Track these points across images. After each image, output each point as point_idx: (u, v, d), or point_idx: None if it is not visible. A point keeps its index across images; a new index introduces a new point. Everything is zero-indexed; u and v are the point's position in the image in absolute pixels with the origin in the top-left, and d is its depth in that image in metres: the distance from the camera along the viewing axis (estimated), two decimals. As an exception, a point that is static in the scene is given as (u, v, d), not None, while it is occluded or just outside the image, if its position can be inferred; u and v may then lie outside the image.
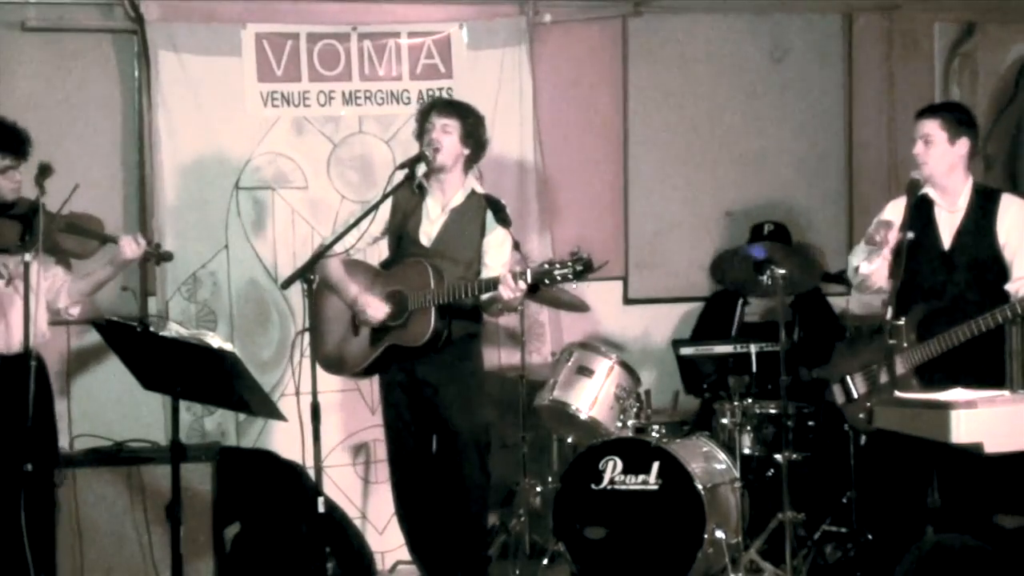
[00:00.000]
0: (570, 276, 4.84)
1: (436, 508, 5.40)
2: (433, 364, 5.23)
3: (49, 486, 5.18)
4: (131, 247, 5.19)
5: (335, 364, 5.44)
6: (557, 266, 4.86)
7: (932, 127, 5.07)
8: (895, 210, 5.15)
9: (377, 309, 5.21)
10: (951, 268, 5.07)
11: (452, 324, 5.19)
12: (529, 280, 4.88)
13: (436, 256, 5.22)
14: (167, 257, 5.42)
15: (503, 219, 5.27)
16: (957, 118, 5.10)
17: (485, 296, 5.10)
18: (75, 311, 5.31)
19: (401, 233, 5.32)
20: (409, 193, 5.28)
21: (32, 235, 4.90)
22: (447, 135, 5.22)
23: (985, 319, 4.85)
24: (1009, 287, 4.99)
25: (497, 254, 5.28)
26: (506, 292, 4.93)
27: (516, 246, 5.39)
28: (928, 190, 5.11)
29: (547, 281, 4.89)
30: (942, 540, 4.38)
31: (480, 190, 5.36)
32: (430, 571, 5.49)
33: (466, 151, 5.27)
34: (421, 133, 5.29)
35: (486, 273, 5.23)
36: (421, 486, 5.40)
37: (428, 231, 5.27)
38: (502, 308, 5.19)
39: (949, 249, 5.08)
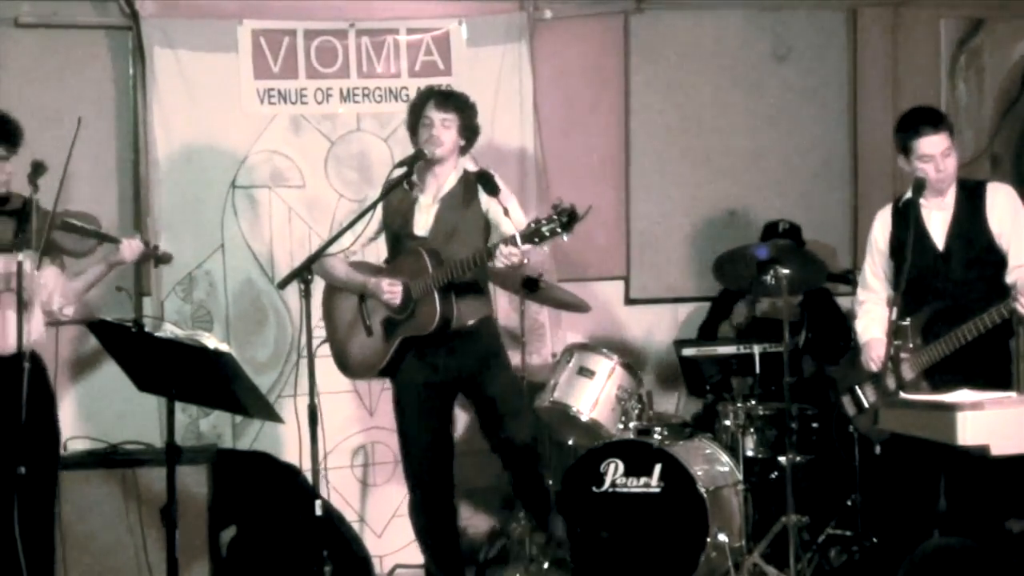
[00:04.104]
0: (558, 229, 4.77)
1: (453, 508, 5.42)
2: (456, 352, 5.19)
3: (51, 490, 5.12)
4: (131, 249, 5.15)
5: (355, 368, 5.40)
6: (544, 222, 4.80)
7: (947, 139, 5.00)
8: (883, 219, 5.14)
9: (393, 291, 5.14)
10: (949, 267, 5.03)
11: (461, 307, 5.13)
12: (519, 242, 4.81)
13: (437, 242, 5.16)
14: (166, 259, 5.37)
15: (492, 189, 5.18)
16: (950, 125, 5.08)
17: (495, 269, 5.03)
18: (69, 311, 5.27)
19: (395, 230, 5.27)
20: (399, 189, 5.22)
21: (24, 232, 4.84)
22: (447, 129, 5.17)
23: (990, 314, 4.82)
24: (1009, 279, 4.94)
25: (503, 216, 5.15)
26: (503, 261, 4.86)
27: (505, 212, 5.27)
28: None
29: (536, 239, 4.81)
30: (943, 543, 4.35)
31: (472, 168, 5.31)
32: (444, 569, 5.43)
33: (462, 142, 5.24)
34: (415, 126, 5.23)
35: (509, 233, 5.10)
36: (444, 485, 5.35)
37: (423, 222, 5.23)
38: (511, 271, 5.08)
39: (944, 249, 5.04)
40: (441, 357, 5.21)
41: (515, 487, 5.64)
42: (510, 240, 4.84)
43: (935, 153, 4.97)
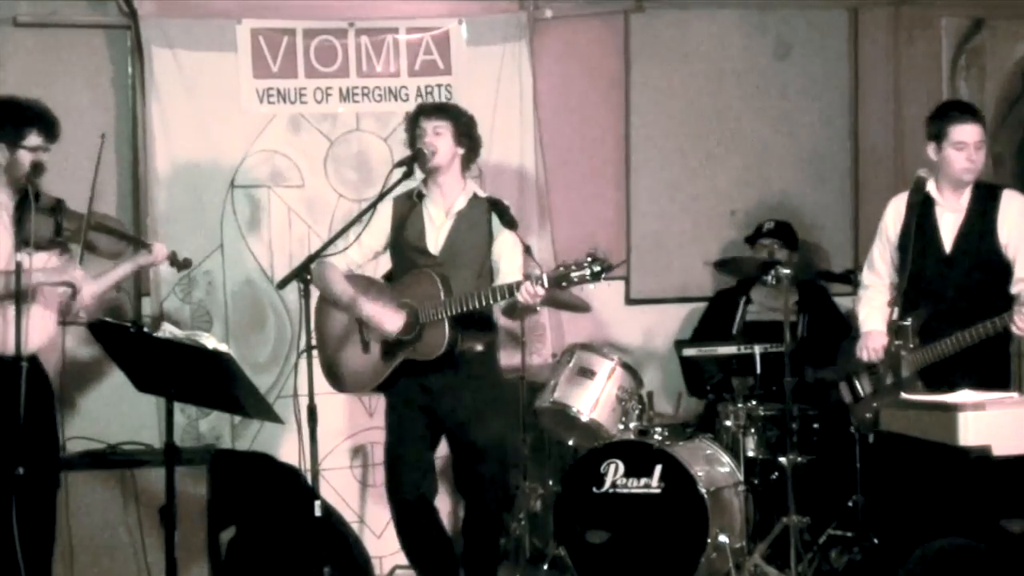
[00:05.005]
0: (588, 277, 4.75)
1: (434, 517, 5.34)
2: (450, 379, 5.12)
3: (51, 490, 5.10)
4: (162, 252, 5.17)
5: (347, 383, 5.33)
6: (574, 267, 4.77)
7: (982, 132, 4.99)
8: (897, 207, 5.10)
9: (393, 322, 5.09)
10: (952, 270, 5.02)
11: (466, 335, 5.08)
12: (546, 284, 4.79)
13: (446, 263, 5.11)
14: (187, 264, 5.36)
15: (509, 221, 5.17)
16: (984, 120, 5.04)
17: (504, 303, 5.00)
18: (84, 314, 5.21)
19: (404, 244, 5.22)
20: (408, 203, 5.20)
21: (60, 231, 4.83)
22: (439, 136, 5.11)
23: (985, 326, 4.82)
24: (1014, 290, 4.93)
25: (511, 258, 5.17)
26: (526, 298, 4.83)
27: (527, 250, 5.28)
28: (931, 189, 5.04)
29: (564, 284, 4.80)
30: (945, 543, 4.33)
31: (482, 194, 5.27)
32: None
33: (461, 150, 5.17)
34: (412, 141, 5.18)
35: (501, 280, 5.10)
36: (422, 497, 5.29)
37: (435, 238, 5.17)
38: (522, 311, 5.08)
39: (951, 251, 5.03)
40: (435, 380, 5.13)
41: (465, 548, 5.35)
42: (537, 279, 4.81)
43: (969, 141, 4.95)
